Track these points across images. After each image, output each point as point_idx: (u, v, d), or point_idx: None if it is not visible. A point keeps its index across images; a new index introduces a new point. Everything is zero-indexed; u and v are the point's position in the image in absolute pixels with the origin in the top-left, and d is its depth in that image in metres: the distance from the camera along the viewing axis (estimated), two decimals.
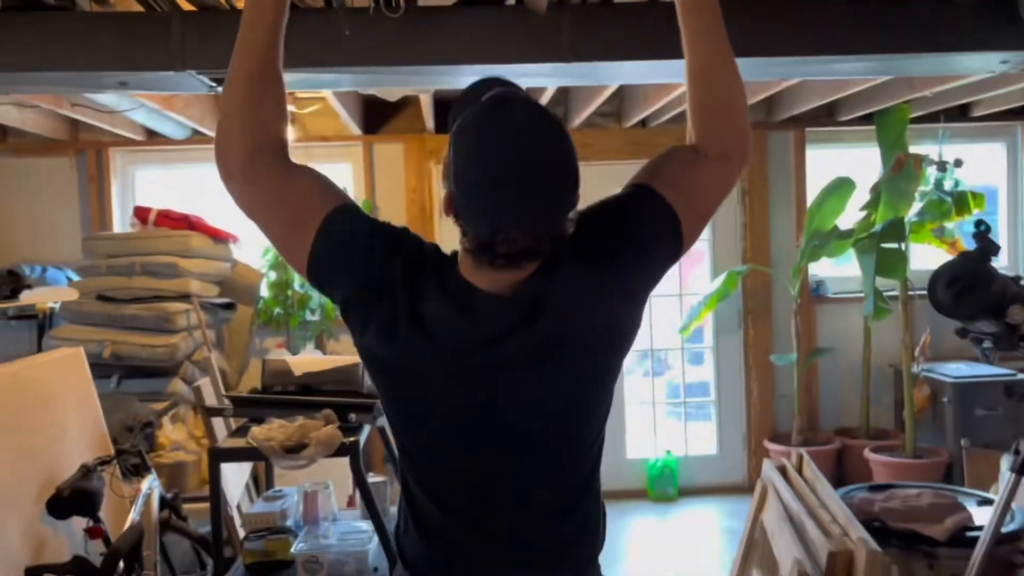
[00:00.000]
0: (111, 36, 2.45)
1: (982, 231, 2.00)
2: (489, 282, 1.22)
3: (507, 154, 1.14)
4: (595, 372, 1.31)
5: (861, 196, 4.81)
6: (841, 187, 4.80)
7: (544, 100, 4.29)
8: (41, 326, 4.26)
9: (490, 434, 1.28)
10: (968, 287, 1.96)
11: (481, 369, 1.23)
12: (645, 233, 1.30)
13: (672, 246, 1.33)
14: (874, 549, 2.02)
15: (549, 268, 1.23)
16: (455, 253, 1.28)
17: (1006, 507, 2.07)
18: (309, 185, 1.30)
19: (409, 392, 1.28)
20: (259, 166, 1.30)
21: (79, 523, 3.03)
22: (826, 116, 5.15)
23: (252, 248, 4.92)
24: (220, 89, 2.67)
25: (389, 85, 3.70)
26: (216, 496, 2.61)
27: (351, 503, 3.56)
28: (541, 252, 1.20)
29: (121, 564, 2.57)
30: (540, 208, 1.16)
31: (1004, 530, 2.27)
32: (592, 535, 1.38)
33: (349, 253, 1.26)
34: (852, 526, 2.17)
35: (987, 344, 2.06)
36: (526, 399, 1.27)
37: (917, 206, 4.68)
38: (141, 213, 4.57)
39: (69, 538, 3.11)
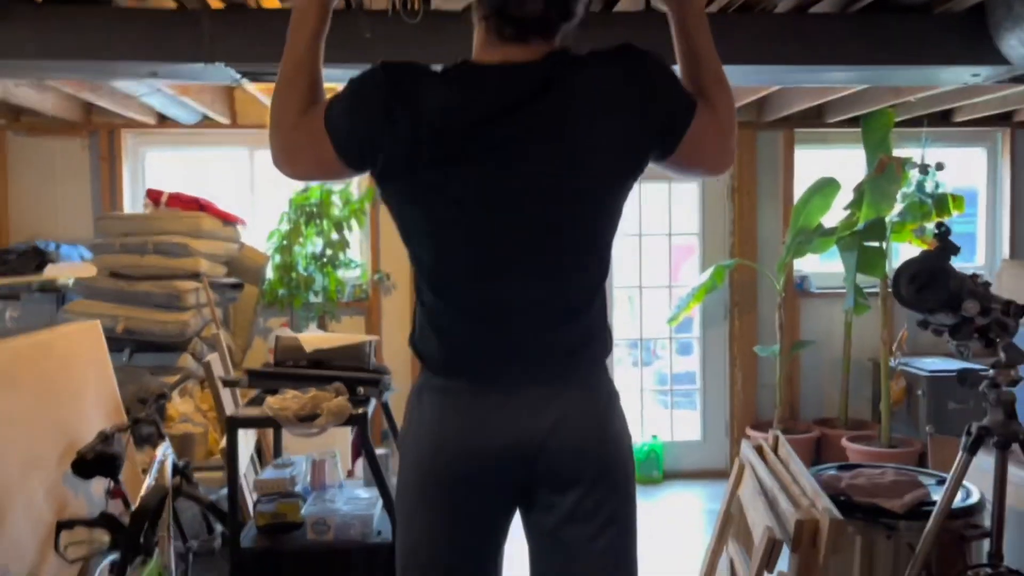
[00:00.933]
0: (144, 29, 2.63)
1: (942, 232, 2.20)
2: (500, 58, 1.29)
3: None
4: (606, 168, 1.35)
5: (845, 196, 5.00)
6: (826, 186, 4.99)
7: None
8: (60, 300, 4.44)
9: (501, 223, 1.34)
10: (928, 283, 2.15)
11: (494, 142, 1.28)
12: (672, 95, 1.39)
13: (680, 127, 1.40)
14: (837, 518, 2.22)
15: (564, 59, 1.31)
16: (464, 60, 1.35)
17: (957, 483, 2.27)
18: (313, 111, 1.42)
19: (424, 194, 1.35)
20: (289, 138, 1.46)
21: (98, 486, 3.22)
22: (815, 118, 5.35)
23: (259, 231, 5.10)
24: (244, 81, 2.86)
25: None
26: (233, 460, 2.80)
27: (351, 475, 3.76)
28: (549, 25, 1.27)
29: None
30: None
31: (959, 506, 2.48)
32: (599, 341, 1.46)
33: (352, 118, 1.37)
34: (819, 498, 2.37)
35: (946, 336, 2.26)
36: (540, 179, 1.31)
37: (899, 207, 4.88)
38: (153, 195, 4.74)
39: (88, 499, 3.30)
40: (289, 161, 1.48)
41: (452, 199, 1.35)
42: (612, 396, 1.49)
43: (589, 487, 1.41)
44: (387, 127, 1.32)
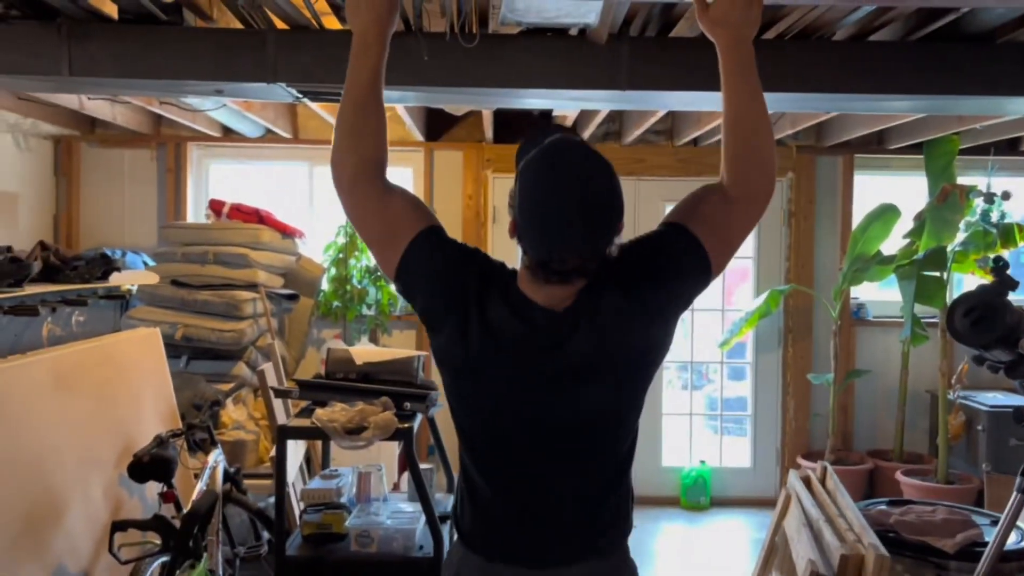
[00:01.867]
0: (212, 48, 2.72)
1: (1000, 266, 2.15)
2: (544, 296, 1.45)
3: (562, 189, 1.38)
4: (628, 382, 1.51)
5: (906, 223, 4.91)
6: (886, 213, 4.90)
7: (599, 117, 4.49)
8: (124, 306, 4.59)
9: (539, 429, 1.49)
10: (984, 317, 2.11)
11: (536, 372, 1.45)
12: (677, 265, 1.52)
13: (701, 275, 1.53)
14: (882, 554, 2.18)
15: (595, 290, 1.45)
16: (514, 270, 1.51)
17: (1010, 524, 2.21)
18: (402, 206, 1.54)
19: (475, 387, 1.50)
20: (360, 185, 1.53)
21: (152, 488, 3.31)
22: (875, 143, 5.27)
23: (316, 244, 5.21)
24: (305, 100, 2.94)
25: (458, 103, 3.93)
26: (281, 469, 2.86)
27: (396, 488, 3.80)
28: (587, 271, 1.43)
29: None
30: (588, 236, 1.39)
31: (1012, 548, 2.41)
32: (622, 521, 1.58)
33: (432, 268, 1.50)
34: (866, 533, 2.33)
35: (1002, 372, 2.20)
36: (569, 402, 1.47)
37: (962, 236, 4.76)
38: (216, 205, 4.87)
39: (142, 501, 3.40)
40: (350, 203, 1.56)
41: (495, 390, 1.49)
42: (633, 571, 1.60)
43: None
44: (457, 312, 1.46)
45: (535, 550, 1.53)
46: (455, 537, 1.63)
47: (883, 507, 2.77)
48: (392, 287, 5.03)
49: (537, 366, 1.45)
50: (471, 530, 1.57)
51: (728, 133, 1.57)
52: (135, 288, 4.60)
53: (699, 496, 5.34)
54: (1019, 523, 2.27)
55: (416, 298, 1.53)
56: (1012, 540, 2.32)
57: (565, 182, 1.38)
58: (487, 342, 1.45)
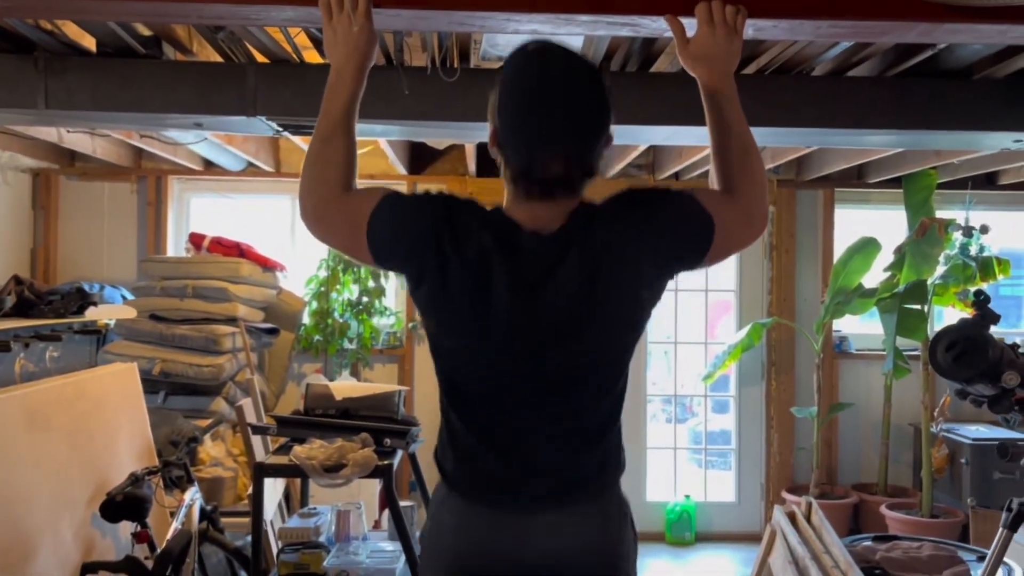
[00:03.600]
0: (191, 82, 2.71)
1: (981, 300, 2.15)
2: (529, 218, 1.39)
3: (543, 88, 1.33)
4: (619, 321, 1.44)
5: (886, 256, 4.94)
6: (867, 246, 4.93)
7: None
8: (100, 341, 4.52)
9: (526, 367, 1.43)
10: (966, 351, 2.10)
11: (522, 307, 1.38)
12: (683, 224, 1.46)
13: (700, 245, 1.47)
14: None
15: (588, 217, 1.39)
16: (497, 206, 1.45)
17: (997, 561, 2.18)
18: (359, 197, 1.50)
19: (458, 326, 1.44)
20: (327, 209, 1.51)
21: (126, 528, 3.23)
22: (855, 177, 5.31)
23: (297, 277, 5.17)
24: (285, 133, 2.93)
25: (439, 137, 3.93)
26: (258, 508, 2.80)
27: (377, 526, 3.74)
28: (572, 182, 1.36)
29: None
30: (570, 135, 1.33)
31: None
32: (612, 463, 1.51)
33: (395, 228, 1.45)
34: (852, 571, 2.30)
35: (985, 407, 2.19)
36: (558, 339, 1.40)
37: (942, 269, 4.80)
38: (195, 239, 4.84)
39: (115, 541, 3.32)
40: (319, 228, 1.53)
41: (480, 328, 1.42)
42: (624, 515, 1.54)
43: None
44: (432, 255, 1.40)
45: (519, 494, 1.47)
46: (439, 477, 1.56)
47: (869, 543, 2.75)
48: (375, 320, 5.02)
49: (524, 299, 1.38)
50: (453, 471, 1.50)
51: (717, 161, 1.56)
52: (112, 323, 4.53)
53: (684, 531, 5.29)
54: (1005, 559, 2.25)
55: (397, 262, 1.48)
56: None
57: (547, 79, 1.33)
58: (470, 280, 1.38)
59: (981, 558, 2.60)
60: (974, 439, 4.73)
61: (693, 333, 5.58)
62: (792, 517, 2.85)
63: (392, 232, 1.45)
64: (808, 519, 2.80)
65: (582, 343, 1.42)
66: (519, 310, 1.39)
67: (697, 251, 1.48)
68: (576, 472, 1.48)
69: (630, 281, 1.42)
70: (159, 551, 2.82)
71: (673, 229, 1.45)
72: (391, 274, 5.03)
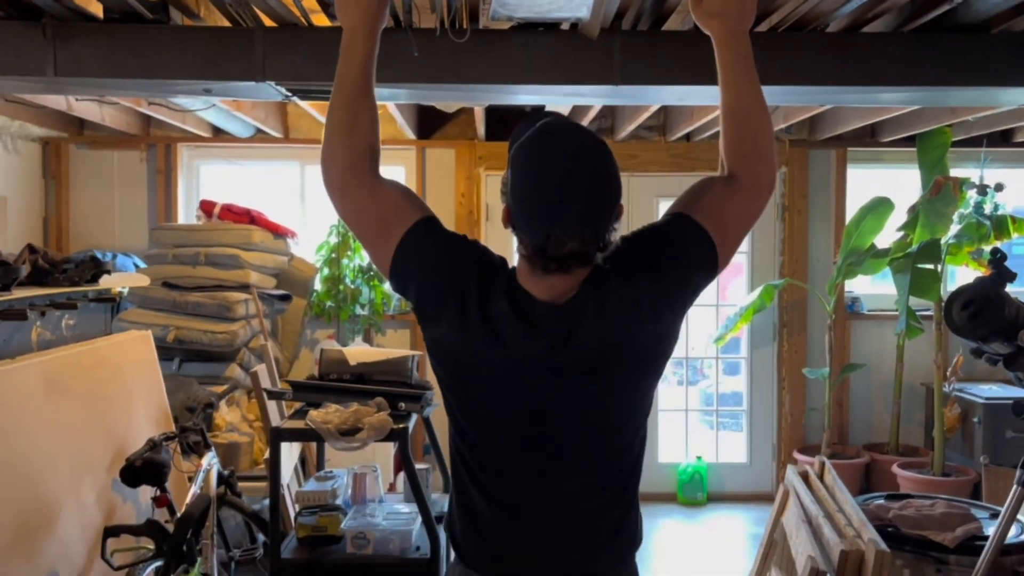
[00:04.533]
0: (199, 47, 2.69)
1: (998, 258, 2.13)
2: (544, 290, 1.39)
3: (556, 169, 1.33)
4: (635, 379, 1.44)
5: (899, 216, 4.90)
6: (880, 206, 4.89)
7: (592, 113, 4.47)
8: (114, 309, 4.55)
9: (536, 433, 1.42)
10: (982, 309, 2.09)
11: (534, 371, 1.38)
12: (683, 255, 1.46)
13: (708, 267, 1.48)
14: (883, 550, 2.16)
15: (598, 281, 1.39)
16: (515, 268, 1.44)
17: (1011, 518, 2.19)
18: (395, 199, 1.48)
19: (471, 383, 1.43)
20: (351, 183, 1.49)
21: (145, 493, 3.28)
22: (868, 136, 5.26)
23: (308, 243, 5.18)
24: (294, 98, 2.91)
25: (449, 100, 3.90)
26: (276, 471, 2.83)
27: (392, 489, 3.78)
28: (587, 256, 1.36)
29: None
30: (585, 214, 1.33)
31: (1012, 541, 2.40)
32: (628, 534, 1.50)
33: (427, 259, 1.44)
34: (865, 529, 2.31)
35: (1001, 365, 2.19)
36: (569, 402, 1.40)
37: (956, 228, 4.76)
38: (206, 206, 4.84)
39: (135, 506, 3.37)
40: (344, 203, 1.51)
41: (492, 386, 1.42)
42: None
43: None
44: (451, 307, 1.40)
45: (532, 564, 1.47)
46: (453, 553, 1.57)
47: (882, 502, 2.76)
48: (387, 286, 5.04)
49: (539, 363, 1.38)
50: (465, 543, 1.50)
51: (727, 123, 1.54)
52: (126, 291, 4.56)
53: (696, 492, 5.33)
54: (1019, 516, 2.26)
55: (412, 291, 1.46)
56: (1012, 533, 2.31)
57: (558, 161, 1.33)
58: (487, 335, 1.38)
59: (994, 515, 2.61)
60: (987, 398, 4.73)
61: (704, 296, 5.48)
62: (805, 477, 2.86)
63: (423, 264, 1.44)
64: (821, 478, 2.81)
65: (600, 399, 1.42)
66: (535, 367, 1.39)
67: (708, 271, 1.49)
68: (592, 540, 1.47)
69: (651, 332, 1.42)
70: (179, 515, 2.87)
71: (680, 266, 1.45)
72: None
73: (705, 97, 3.09)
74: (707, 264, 1.48)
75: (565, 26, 2.70)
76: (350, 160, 1.48)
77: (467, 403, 1.46)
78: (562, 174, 1.32)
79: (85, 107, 4.34)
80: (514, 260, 1.45)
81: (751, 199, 1.54)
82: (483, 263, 1.44)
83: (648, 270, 1.42)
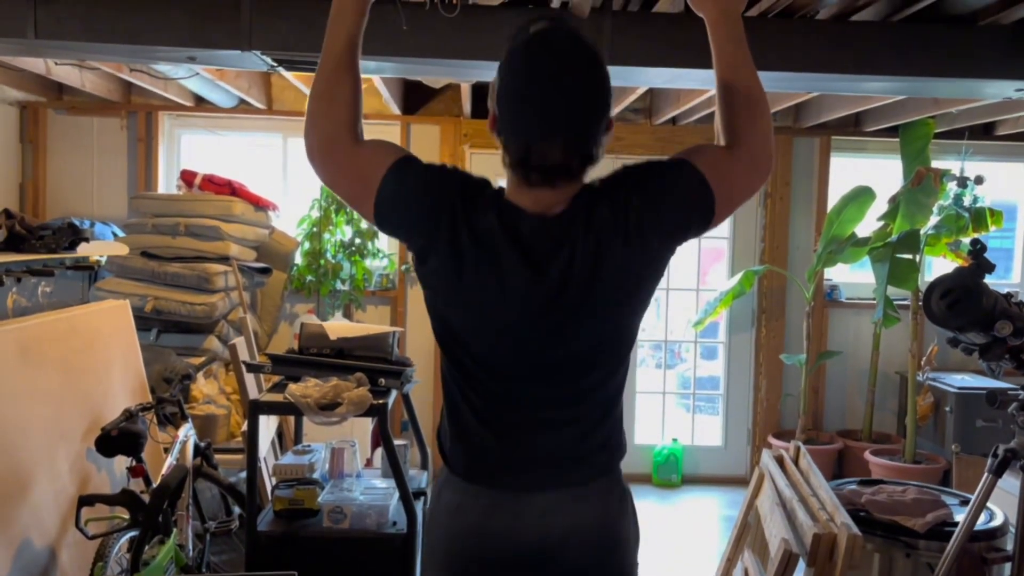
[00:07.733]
0: (185, 14, 2.65)
1: (977, 249, 2.16)
2: (532, 202, 1.38)
3: (543, 76, 1.31)
4: (623, 304, 1.44)
5: (881, 206, 4.94)
6: (861, 195, 4.92)
7: None
8: (92, 277, 4.50)
9: (528, 350, 1.43)
10: (960, 299, 2.11)
11: (528, 283, 1.38)
12: (684, 194, 1.44)
13: (704, 213, 1.46)
14: (855, 533, 2.19)
15: (590, 199, 1.38)
16: (500, 188, 1.44)
17: (980, 505, 2.23)
18: (370, 152, 1.47)
19: (464, 301, 1.42)
20: (332, 150, 1.48)
21: (121, 463, 3.26)
22: (853, 125, 5.28)
23: (289, 216, 5.14)
24: (280, 69, 2.88)
25: (436, 75, 3.87)
26: (253, 443, 2.82)
27: (369, 464, 3.78)
28: (572, 170, 1.36)
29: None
30: (569, 123, 1.32)
31: (981, 528, 2.44)
32: (613, 446, 1.53)
33: (408, 196, 1.43)
34: (838, 513, 2.34)
35: (976, 355, 2.21)
36: (560, 322, 1.40)
37: (935, 219, 4.80)
38: (187, 176, 4.78)
39: (110, 475, 3.35)
40: (326, 169, 1.50)
41: (486, 305, 1.41)
42: (624, 499, 1.55)
43: None
44: (445, 228, 1.39)
45: (518, 475, 1.48)
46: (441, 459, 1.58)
47: (855, 487, 2.80)
48: (368, 261, 5.02)
49: (529, 280, 1.38)
50: (452, 451, 1.52)
51: (723, 103, 1.53)
52: (104, 259, 4.51)
53: (671, 474, 5.38)
54: (988, 504, 2.30)
55: (400, 232, 1.46)
56: (981, 520, 2.35)
57: (546, 67, 1.31)
58: (479, 255, 1.37)
59: (964, 502, 2.66)
60: (959, 388, 4.80)
61: (685, 279, 5.59)
62: (780, 461, 2.89)
63: (403, 199, 1.43)
64: (796, 463, 2.85)
65: (586, 324, 1.42)
66: (524, 290, 1.38)
67: (702, 217, 1.47)
68: (576, 454, 1.49)
69: (636, 258, 1.41)
70: (155, 485, 2.85)
71: (675, 199, 1.44)
72: None
73: (694, 80, 3.09)
74: (704, 210, 1.46)
75: (555, 3, 2.68)
76: (333, 130, 1.47)
77: (460, 322, 1.45)
78: (548, 82, 1.31)
79: (65, 71, 4.27)
80: None
81: (749, 173, 1.52)
82: (466, 181, 1.44)
83: (642, 193, 1.41)
